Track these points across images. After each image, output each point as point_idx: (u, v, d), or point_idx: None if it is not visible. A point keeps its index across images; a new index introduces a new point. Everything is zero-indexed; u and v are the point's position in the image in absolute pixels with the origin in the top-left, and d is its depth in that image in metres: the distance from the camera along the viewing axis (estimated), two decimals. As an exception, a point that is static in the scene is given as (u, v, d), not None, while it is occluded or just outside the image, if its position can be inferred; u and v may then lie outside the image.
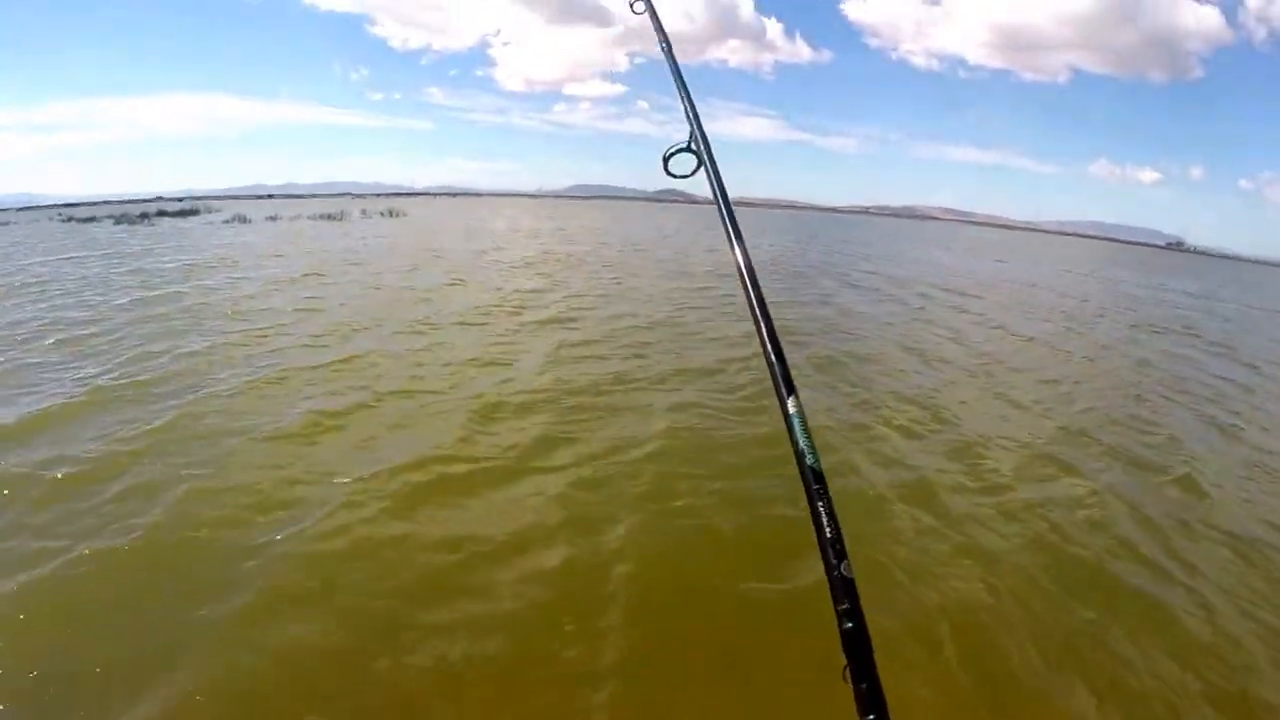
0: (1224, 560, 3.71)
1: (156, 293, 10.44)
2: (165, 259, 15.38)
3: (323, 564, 3.19)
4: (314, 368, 6.19)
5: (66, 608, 2.86)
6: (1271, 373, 9.31)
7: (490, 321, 8.49)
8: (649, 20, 1.84)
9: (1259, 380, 8.72)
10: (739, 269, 1.18)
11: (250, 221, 30.50)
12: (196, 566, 3.18)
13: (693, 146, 1.36)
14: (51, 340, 7.15)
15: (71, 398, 5.26)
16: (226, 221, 30.91)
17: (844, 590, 0.79)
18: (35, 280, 11.92)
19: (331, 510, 3.63)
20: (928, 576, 3.29)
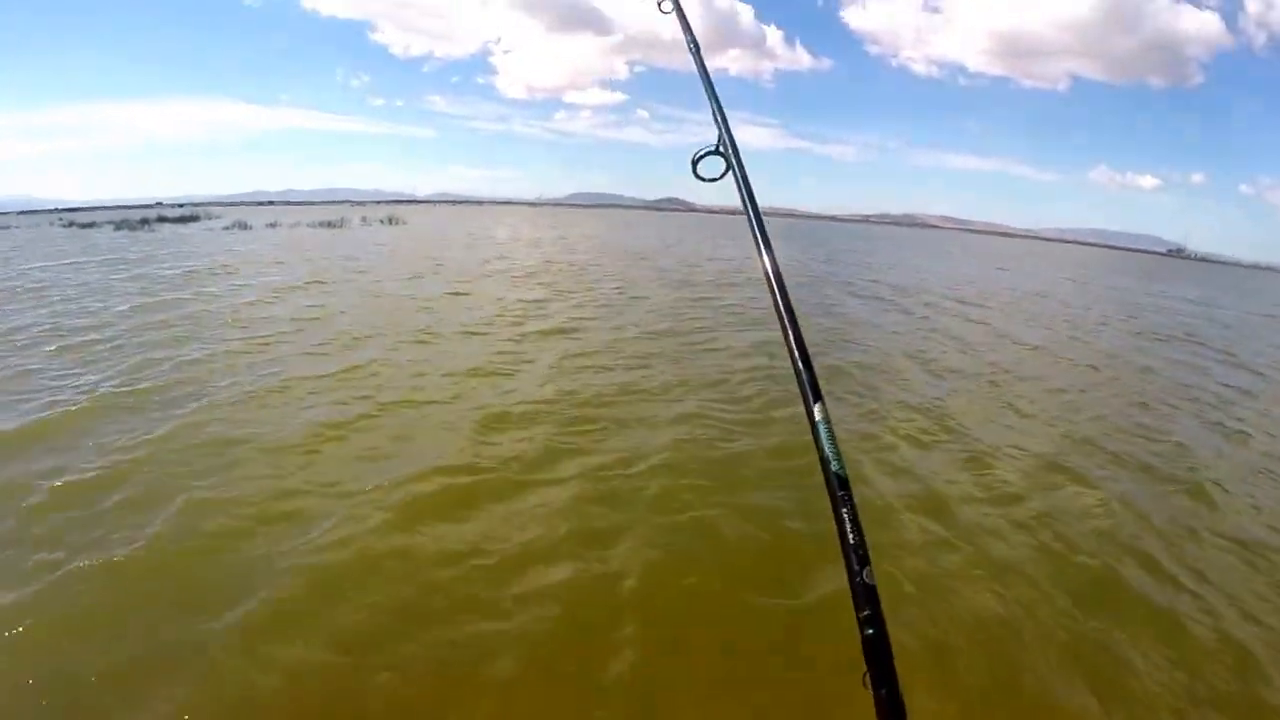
0: (1233, 568, 3.71)
1: (157, 299, 10.42)
2: (166, 265, 15.37)
3: (324, 577, 3.15)
4: (316, 377, 6.16)
5: (65, 619, 2.81)
6: (1274, 377, 9.39)
7: (493, 331, 8.47)
8: (676, 20, 1.81)
9: (1262, 385, 8.80)
10: (766, 274, 1.16)
11: (250, 228, 30.55)
12: (197, 578, 3.14)
13: (721, 150, 1.35)
14: (52, 347, 7.12)
15: (72, 405, 5.22)
16: (226, 228, 30.96)
17: (866, 597, 0.80)
18: (36, 285, 11.90)
19: (334, 523, 3.59)
20: (938, 587, 3.28)
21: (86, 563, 3.16)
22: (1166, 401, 7.22)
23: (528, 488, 4.10)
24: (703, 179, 1.34)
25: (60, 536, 3.40)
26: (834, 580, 3.18)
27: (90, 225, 32.87)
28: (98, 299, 10.40)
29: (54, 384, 5.83)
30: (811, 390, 0.97)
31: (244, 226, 31.34)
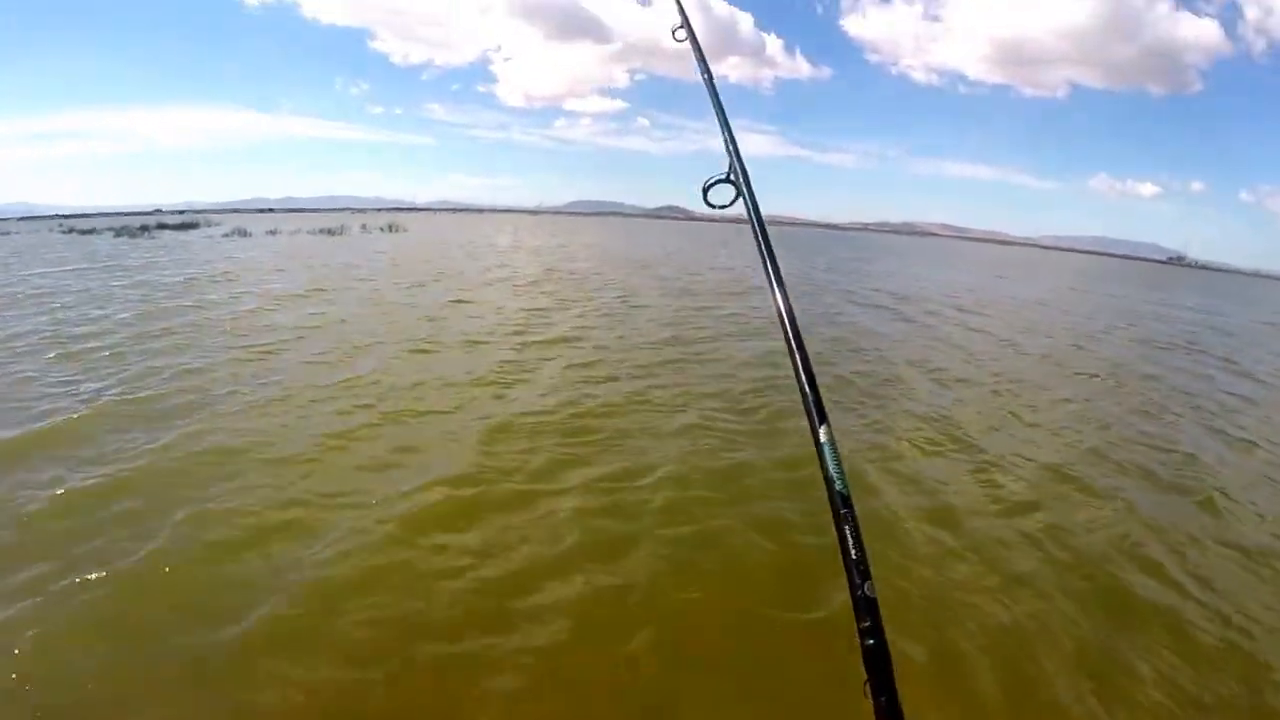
0: (1240, 576, 3.71)
1: (158, 307, 10.40)
2: (166, 273, 15.35)
3: (326, 592, 3.09)
4: (318, 387, 6.12)
5: (61, 635, 2.76)
6: (1277, 385, 9.42)
7: (495, 341, 8.42)
8: (690, 48, 1.84)
9: (1265, 393, 8.83)
10: (772, 288, 1.20)
11: (250, 235, 30.59)
12: (198, 591, 3.10)
13: (731, 177, 1.38)
14: (53, 354, 7.08)
15: (73, 414, 5.18)
16: (226, 235, 31.00)
17: (866, 609, 0.83)
18: (36, 292, 11.88)
19: (337, 535, 3.55)
20: (947, 599, 3.26)
21: (87, 575, 3.11)
22: (1171, 410, 7.22)
23: (532, 499, 4.06)
24: (713, 205, 1.38)
25: (60, 547, 3.35)
26: (842, 592, 3.16)
27: (90, 231, 32.93)
28: (98, 306, 10.37)
29: (55, 391, 5.78)
30: (817, 412, 1.01)
31: (244, 233, 31.38)
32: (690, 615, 3.08)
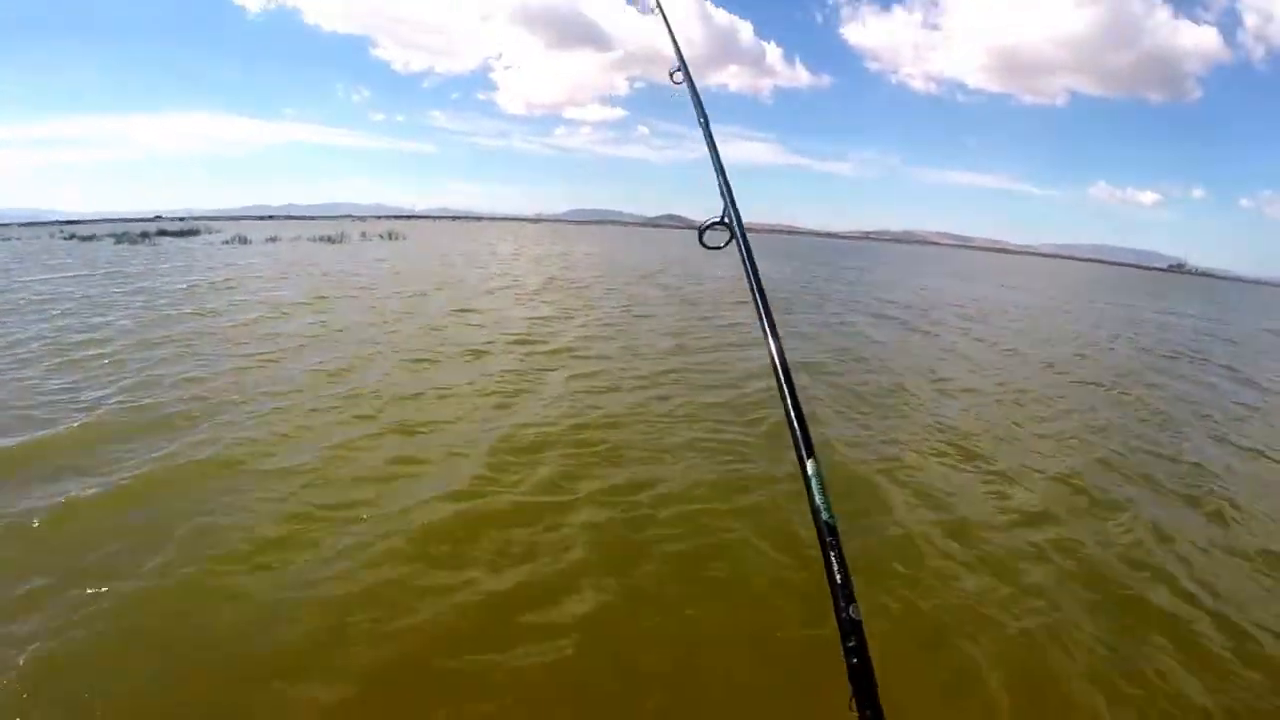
0: (1260, 587, 3.71)
1: (159, 314, 10.37)
2: (167, 280, 15.32)
3: (330, 611, 3.02)
4: (320, 397, 6.08)
5: (62, 651, 2.70)
6: None
7: (498, 351, 8.37)
8: (688, 93, 1.97)
9: (1271, 402, 8.86)
10: (765, 334, 1.27)
11: (250, 243, 30.58)
12: (200, 609, 3.04)
13: (726, 220, 1.49)
14: (53, 362, 7.03)
15: (73, 423, 5.13)
16: (227, 242, 31.01)
17: (851, 630, 0.90)
18: (37, 298, 11.84)
19: (339, 551, 3.49)
20: (960, 611, 3.23)
21: (89, 589, 3.06)
22: (1179, 419, 7.23)
23: (538, 512, 4.01)
24: (707, 247, 1.49)
25: (61, 560, 3.30)
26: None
27: (91, 238, 32.92)
28: (99, 313, 10.33)
29: (55, 400, 5.74)
30: (805, 447, 1.08)
31: (244, 241, 31.38)
32: (701, 629, 3.03)
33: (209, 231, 40.41)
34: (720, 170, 1.64)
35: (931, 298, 19.58)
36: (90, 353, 7.47)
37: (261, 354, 7.71)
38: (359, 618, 2.99)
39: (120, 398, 5.83)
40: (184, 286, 14.02)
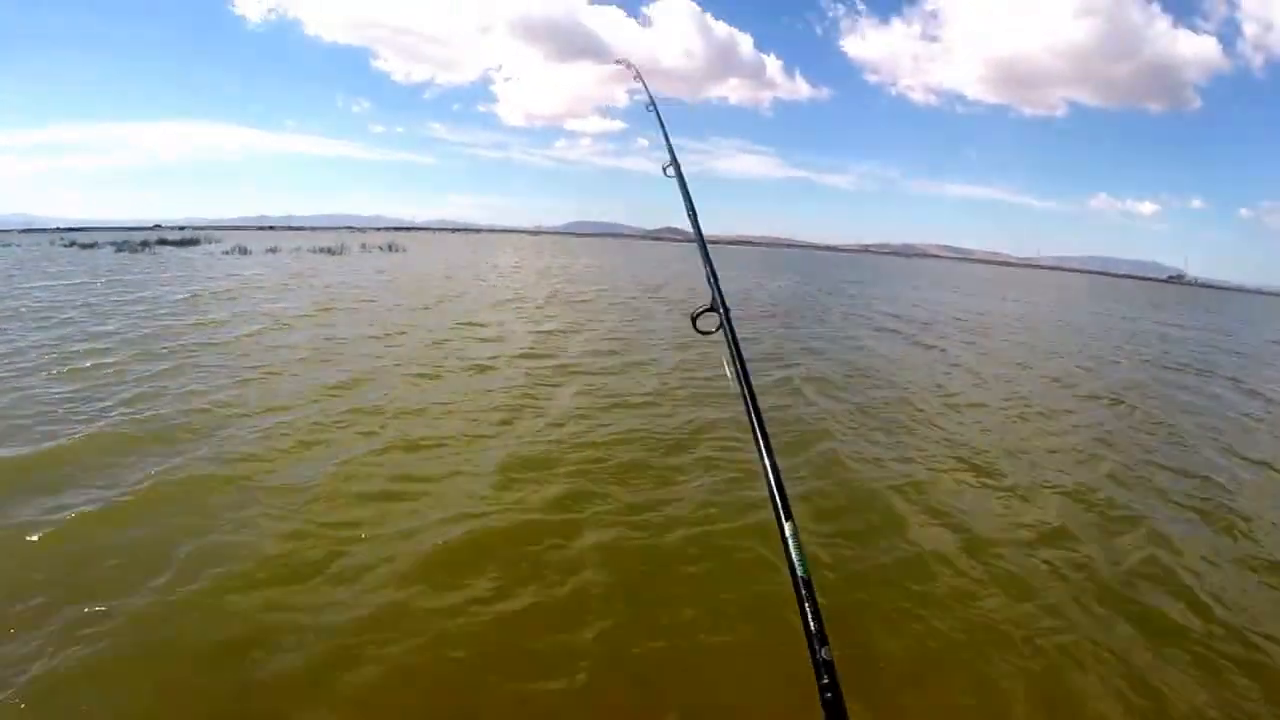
0: (1272, 599, 3.70)
1: (160, 324, 10.32)
2: (168, 289, 15.29)
3: (334, 632, 2.95)
4: (323, 411, 6.00)
5: (63, 672, 2.62)
6: None
7: (503, 367, 8.29)
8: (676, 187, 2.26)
9: (1277, 413, 8.90)
10: (752, 429, 1.39)
11: (250, 253, 30.59)
12: (199, 633, 2.94)
13: (714, 308, 1.65)
14: (53, 373, 6.96)
15: (75, 435, 5.07)
16: (227, 252, 31.04)
17: (825, 669, 0.99)
18: (38, 305, 11.80)
19: (343, 571, 3.42)
20: (979, 629, 3.20)
21: (90, 609, 2.98)
22: (1188, 431, 7.23)
23: (546, 531, 3.93)
24: (700, 331, 1.64)
25: (61, 578, 3.23)
26: (877, 633, 3.09)
27: (91, 245, 32.96)
28: (100, 322, 10.29)
29: (55, 411, 5.67)
30: (784, 510, 1.18)
31: (244, 251, 31.39)
32: (719, 654, 2.96)
33: (209, 241, 40.43)
34: (707, 259, 1.88)
35: (935, 312, 19.60)
36: (92, 363, 7.41)
37: (264, 366, 7.66)
38: (363, 639, 2.91)
39: (122, 410, 5.76)
40: (185, 296, 13.99)
